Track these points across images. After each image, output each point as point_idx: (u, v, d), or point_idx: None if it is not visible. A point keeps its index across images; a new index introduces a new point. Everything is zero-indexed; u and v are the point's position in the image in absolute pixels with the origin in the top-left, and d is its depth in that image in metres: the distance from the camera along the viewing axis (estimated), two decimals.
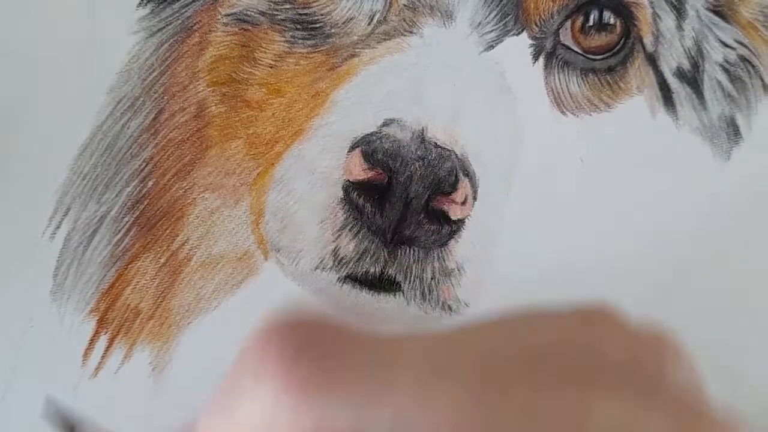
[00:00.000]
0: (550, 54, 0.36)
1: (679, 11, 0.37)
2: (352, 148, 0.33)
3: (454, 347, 0.16)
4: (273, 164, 0.33)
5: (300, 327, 0.16)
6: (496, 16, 0.35)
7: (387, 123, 0.33)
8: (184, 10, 0.34)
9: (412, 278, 0.33)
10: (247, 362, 0.16)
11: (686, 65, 0.37)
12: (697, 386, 0.16)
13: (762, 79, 0.38)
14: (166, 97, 0.33)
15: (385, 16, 0.34)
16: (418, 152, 0.32)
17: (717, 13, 0.37)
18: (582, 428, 0.14)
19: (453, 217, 0.32)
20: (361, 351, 0.16)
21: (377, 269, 0.32)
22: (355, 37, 0.34)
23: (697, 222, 0.36)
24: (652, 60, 0.37)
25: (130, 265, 0.32)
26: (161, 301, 0.32)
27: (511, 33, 0.35)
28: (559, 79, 0.36)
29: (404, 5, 0.34)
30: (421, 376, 0.15)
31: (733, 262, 0.35)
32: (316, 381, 0.15)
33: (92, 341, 0.31)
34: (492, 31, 0.35)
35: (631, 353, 0.16)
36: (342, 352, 0.16)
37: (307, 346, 0.16)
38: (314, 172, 0.33)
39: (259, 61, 0.34)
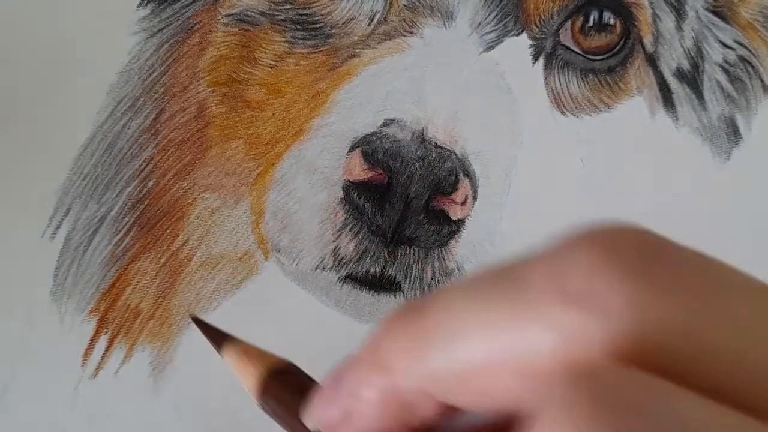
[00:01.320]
0: (550, 54, 0.36)
1: (679, 12, 0.37)
2: (353, 149, 0.33)
3: None
4: (273, 164, 0.33)
5: (638, 244, 0.15)
6: (496, 16, 0.35)
7: (387, 123, 0.33)
8: (184, 11, 0.34)
9: (413, 278, 0.33)
10: (577, 271, 0.15)
11: (686, 66, 0.37)
12: None
13: (761, 80, 0.38)
14: (166, 98, 0.33)
15: (385, 17, 0.34)
16: (419, 152, 0.32)
17: (716, 13, 0.37)
18: None
19: (453, 217, 0.32)
20: (704, 272, 0.15)
21: (377, 269, 0.32)
22: (356, 38, 0.34)
23: (697, 222, 0.36)
24: (652, 60, 0.37)
25: (130, 265, 0.32)
26: (161, 301, 0.32)
27: (511, 33, 0.35)
28: (559, 80, 0.36)
29: (404, 6, 0.34)
30: (754, 302, 0.15)
31: (734, 262, 0.35)
32: (661, 300, 0.15)
33: (92, 341, 0.31)
34: (492, 31, 0.35)
35: None
36: (684, 270, 0.15)
37: (647, 263, 0.15)
38: (314, 172, 0.33)
39: (260, 62, 0.34)
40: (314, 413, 0.21)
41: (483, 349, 0.16)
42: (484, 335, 0.16)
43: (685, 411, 0.14)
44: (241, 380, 0.26)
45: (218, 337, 0.27)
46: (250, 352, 0.26)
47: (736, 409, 0.14)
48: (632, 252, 0.15)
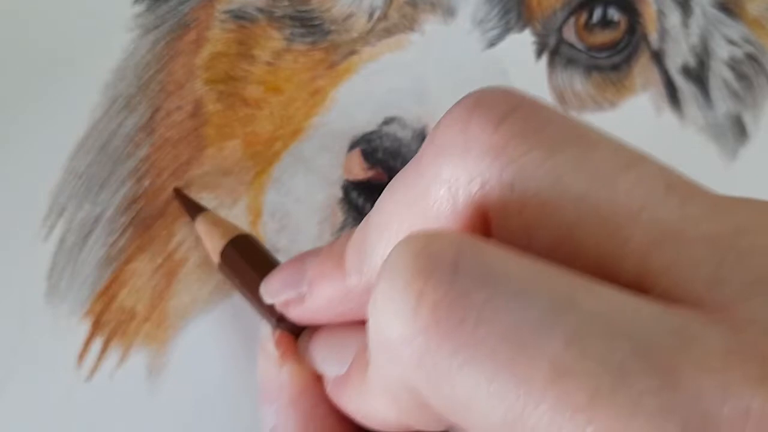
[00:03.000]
0: (554, 51, 0.35)
1: (685, 8, 0.37)
2: (352, 147, 0.32)
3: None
4: (271, 163, 0.33)
5: (504, 97, 0.17)
6: (498, 12, 0.35)
7: (387, 121, 0.33)
8: (180, 7, 0.34)
9: None
10: (448, 127, 0.17)
11: (692, 63, 0.37)
12: None
13: None
14: (162, 95, 0.33)
15: (385, 13, 0.34)
16: None
17: (723, 9, 0.37)
18: None
19: None
20: (565, 122, 0.16)
21: None
22: (355, 34, 0.34)
23: None
24: (658, 58, 0.36)
25: (125, 267, 0.32)
26: (157, 303, 0.31)
27: (514, 30, 0.35)
28: (563, 77, 0.35)
29: (405, 2, 0.34)
30: (620, 156, 0.16)
31: None
32: (518, 141, 0.16)
33: (87, 343, 0.31)
34: (494, 28, 0.35)
35: None
36: (546, 120, 0.16)
37: (511, 113, 0.16)
38: (313, 172, 0.33)
39: (257, 59, 0.34)
40: (273, 288, 0.23)
41: (401, 231, 0.17)
42: (399, 217, 0.18)
43: (497, 264, 0.14)
44: (206, 246, 0.28)
45: (194, 209, 0.29)
46: (219, 222, 0.28)
47: (603, 268, 0.15)
48: (494, 103, 0.16)
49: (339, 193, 0.32)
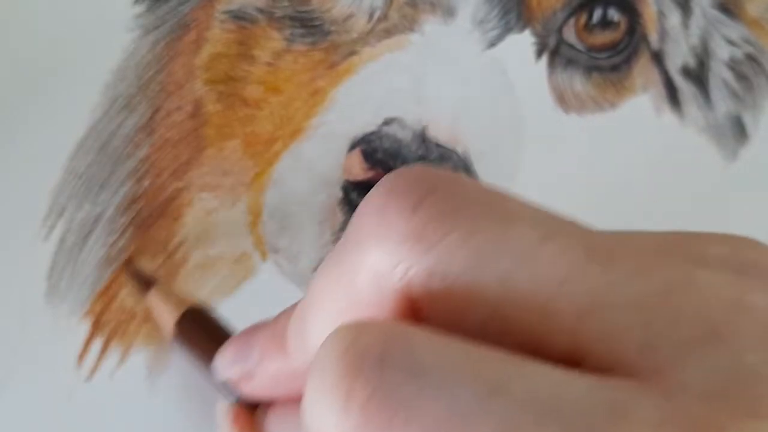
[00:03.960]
0: (554, 52, 0.35)
1: (685, 9, 0.37)
2: (352, 148, 0.32)
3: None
4: (271, 164, 0.33)
5: (419, 179, 0.16)
6: (498, 13, 0.35)
7: (387, 122, 0.33)
8: (180, 8, 0.34)
9: None
10: (366, 215, 0.16)
11: (692, 63, 0.37)
12: None
13: None
14: (162, 96, 0.33)
15: (385, 13, 0.34)
16: (419, 152, 0.32)
17: (723, 10, 0.37)
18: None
19: None
20: (481, 199, 0.16)
21: None
22: (355, 35, 0.34)
23: (702, 222, 0.36)
24: (658, 58, 0.36)
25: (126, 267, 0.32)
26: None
27: (514, 30, 0.35)
28: (563, 78, 0.35)
29: (405, 2, 0.34)
30: (538, 228, 0.15)
31: None
32: (435, 224, 0.15)
33: (87, 343, 0.31)
34: (494, 28, 0.35)
35: None
36: (463, 199, 0.16)
37: (427, 195, 0.16)
38: (313, 172, 0.33)
39: (257, 59, 0.34)
40: (225, 363, 0.23)
41: (334, 316, 0.17)
42: (331, 300, 0.18)
43: (423, 354, 0.14)
44: (159, 321, 0.28)
45: (145, 283, 0.29)
46: (171, 295, 0.28)
47: (533, 345, 0.14)
48: (409, 186, 0.16)
49: (339, 194, 0.32)
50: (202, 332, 0.27)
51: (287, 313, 0.21)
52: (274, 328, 0.21)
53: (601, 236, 0.16)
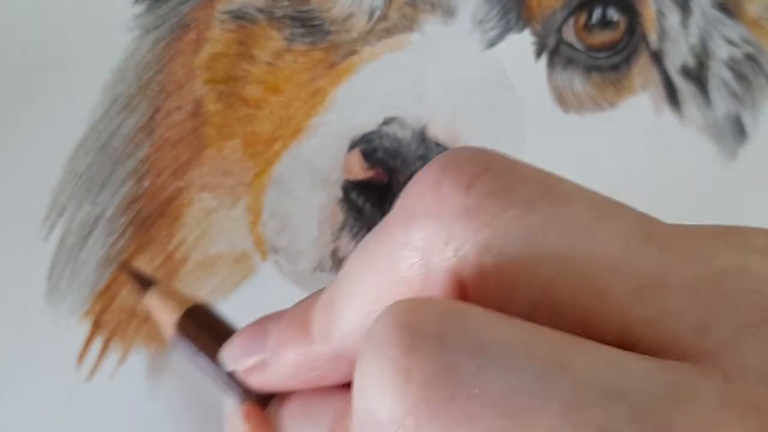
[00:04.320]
0: (553, 52, 0.35)
1: (684, 8, 0.37)
2: (352, 147, 0.32)
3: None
4: (271, 163, 0.33)
5: (474, 157, 0.16)
6: (498, 13, 0.35)
7: (387, 121, 0.33)
8: (180, 7, 0.34)
9: None
10: (418, 191, 0.16)
11: (691, 63, 0.37)
12: None
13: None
14: (162, 96, 0.33)
15: (385, 13, 0.34)
16: (419, 151, 0.32)
17: (722, 10, 0.37)
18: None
19: None
20: (537, 178, 0.16)
21: None
22: (355, 34, 0.34)
23: (702, 221, 0.36)
24: (657, 58, 0.36)
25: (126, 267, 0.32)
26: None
27: (513, 30, 0.35)
28: (562, 78, 0.35)
29: (405, 2, 0.34)
30: (594, 208, 0.15)
31: None
32: (491, 201, 0.15)
33: (87, 343, 0.31)
34: (494, 28, 0.35)
35: None
36: (517, 178, 0.16)
37: (482, 173, 0.16)
38: (313, 172, 0.33)
39: (257, 59, 0.34)
40: (234, 354, 0.22)
41: (372, 298, 0.17)
42: (370, 284, 0.17)
43: (484, 331, 0.14)
44: (159, 320, 0.27)
45: (144, 283, 0.28)
46: (172, 294, 0.27)
47: (586, 325, 0.14)
48: (464, 164, 0.16)
49: (339, 193, 0.32)
50: (206, 330, 0.26)
51: (309, 300, 0.20)
52: (293, 314, 0.20)
53: (656, 221, 0.16)
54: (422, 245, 0.16)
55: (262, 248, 0.33)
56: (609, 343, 0.14)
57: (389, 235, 0.17)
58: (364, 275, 0.17)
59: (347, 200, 0.32)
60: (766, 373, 0.13)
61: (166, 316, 0.27)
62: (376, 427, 0.14)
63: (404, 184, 0.31)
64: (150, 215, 0.32)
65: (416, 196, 0.16)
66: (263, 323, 0.22)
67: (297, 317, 0.20)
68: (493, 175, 0.16)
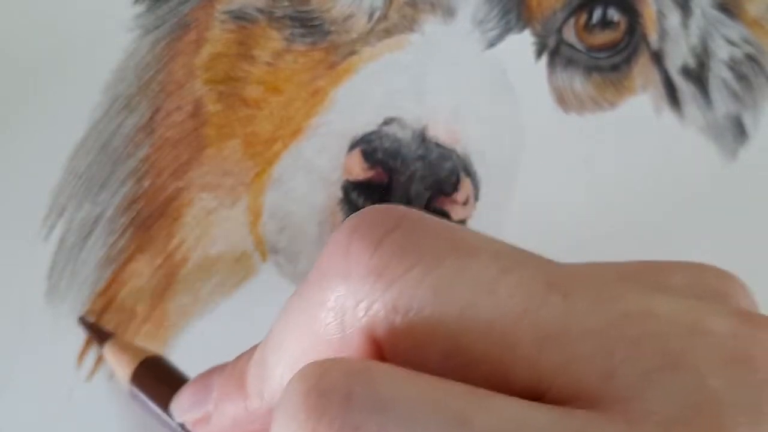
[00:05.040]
0: (554, 52, 0.35)
1: (684, 9, 0.36)
2: (352, 148, 0.32)
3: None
4: (271, 164, 0.33)
5: (382, 217, 0.16)
6: (498, 13, 0.35)
7: (387, 122, 0.33)
8: (180, 7, 0.34)
9: None
10: (330, 253, 0.17)
11: (691, 63, 0.37)
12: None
13: None
14: (162, 96, 0.33)
15: (385, 13, 0.34)
16: (419, 152, 0.32)
17: (723, 10, 0.37)
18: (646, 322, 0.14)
19: (455, 218, 0.32)
20: (443, 234, 0.16)
21: None
22: (355, 35, 0.34)
23: (702, 221, 0.36)
24: (657, 58, 0.36)
25: (125, 267, 0.32)
26: (158, 303, 0.31)
27: (514, 30, 0.35)
28: (563, 78, 0.35)
29: (405, 2, 0.34)
30: (499, 260, 0.15)
31: (739, 262, 0.35)
32: (397, 260, 0.15)
33: (87, 343, 0.31)
34: (494, 28, 0.35)
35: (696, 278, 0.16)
36: (424, 235, 0.16)
37: (389, 232, 0.16)
38: (313, 172, 0.33)
39: (257, 59, 0.34)
40: (182, 407, 0.23)
41: (297, 356, 0.17)
42: (294, 341, 0.17)
43: (388, 389, 0.14)
44: (115, 371, 0.28)
45: (101, 336, 0.29)
46: (127, 347, 0.28)
47: (495, 377, 0.15)
48: (373, 224, 0.16)
49: (339, 194, 0.32)
50: (160, 380, 0.27)
51: (247, 354, 0.21)
52: (232, 369, 0.21)
53: (561, 268, 0.16)
54: (335, 306, 0.16)
55: (262, 248, 0.33)
56: (522, 392, 0.14)
57: (307, 296, 0.17)
58: (289, 333, 0.18)
59: (347, 200, 0.32)
60: (670, 416, 0.13)
61: (121, 368, 0.28)
62: None
63: (404, 184, 0.31)
64: (150, 215, 0.32)
65: (328, 257, 0.17)
66: (208, 376, 0.23)
67: (235, 372, 0.21)
68: (400, 233, 0.16)
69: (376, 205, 0.17)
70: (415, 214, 0.17)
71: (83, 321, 0.31)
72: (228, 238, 0.33)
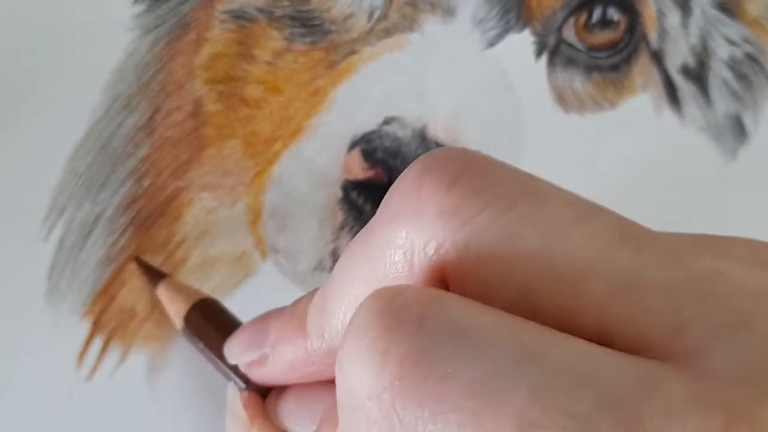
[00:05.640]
0: (554, 51, 0.35)
1: (684, 8, 0.36)
2: (352, 147, 0.32)
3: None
4: (271, 163, 0.33)
5: (454, 158, 0.16)
6: (498, 12, 0.35)
7: (387, 121, 0.33)
8: (180, 7, 0.34)
9: None
10: (400, 192, 0.17)
11: (691, 63, 0.37)
12: None
13: None
14: (162, 95, 0.33)
15: (385, 13, 0.34)
16: (419, 151, 0.32)
17: (723, 9, 0.37)
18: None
19: None
20: (516, 178, 0.16)
21: None
22: (355, 34, 0.34)
23: (702, 221, 0.36)
24: (657, 57, 0.36)
25: (125, 266, 0.32)
26: (157, 303, 0.31)
27: (514, 30, 0.35)
28: (563, 77, 0.35)
29: (405, 2, 0.34)
30: (572, 209, 0.16)
31: None
32: (471, 201, 0.16)
33: (87, 343, 0.31)
34: (494, 28, 0.35)
35: None
36: (497, 177, 0.16)
37: (462, 174, 0.16)
38: (313, 172, 0.33)
39: (257, 59, 0.34)
40: (236, 350, 0.24)
41: (361, 296, 0.17)
42: (358, 281, 0.18)
43: (461, 317, 0.14)
44: (169, 311, 0.28)
45: (155, 276, 0.29)
46: (181, 287, 0.28)
47: (563, 323, 0.15)
48: (444, 165, 0.16)
49: (339, 193, 0.32)
50: (213, 323, 0.27)
51: (306, 298, 0.21)
52: (291, 312, 0.21)
53: (634, 224, 0.16)
54: (404, 244, 0.16)
55: (262, 248, 0.33)
56: (589, 338, 0.14)
57: (374, 235, 0.17)
58: (353, 274, 0.18)
59: (347, 200, 0.32)
60: (736, 374, 0.13)
61: (175, 308, 0.28)
62: (355, 404, 0.15)
63: None
64: (150, 215, 0.32)
65: (398, 196, 0.17)
66: (264, 320, 0.23)
67: (294, 315, 0.21)
68: (472, 175, 0.16)
69: (446, 148, 0.17)
70: (486, 157, 0.17)
71: (136, 260, 0.31)
72: (228, 238, 0.33)
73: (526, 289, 0.15)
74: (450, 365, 0.14)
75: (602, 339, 0.14)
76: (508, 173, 0.16)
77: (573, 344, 0.14)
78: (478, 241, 0.15)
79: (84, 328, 0.31)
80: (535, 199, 0.16)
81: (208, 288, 0.32)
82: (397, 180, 0.17)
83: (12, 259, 0.31)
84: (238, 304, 0.32)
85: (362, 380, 0.14)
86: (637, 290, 0.14)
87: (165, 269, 0.32)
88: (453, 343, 0.14)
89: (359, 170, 0.32)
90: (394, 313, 0.15)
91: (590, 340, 0.14)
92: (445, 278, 0.16)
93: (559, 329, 0.15)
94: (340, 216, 0.32)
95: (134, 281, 0.32)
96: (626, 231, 0.15)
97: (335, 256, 0.32)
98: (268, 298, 0.32)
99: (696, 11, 0.37)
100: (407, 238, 0.16)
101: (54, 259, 0.32)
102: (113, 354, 0.31)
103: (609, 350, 0.14)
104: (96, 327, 0.31)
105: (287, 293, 0.32)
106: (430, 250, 0.16)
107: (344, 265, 0.18)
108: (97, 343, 0.31)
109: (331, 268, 0.32)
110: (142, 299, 0.31)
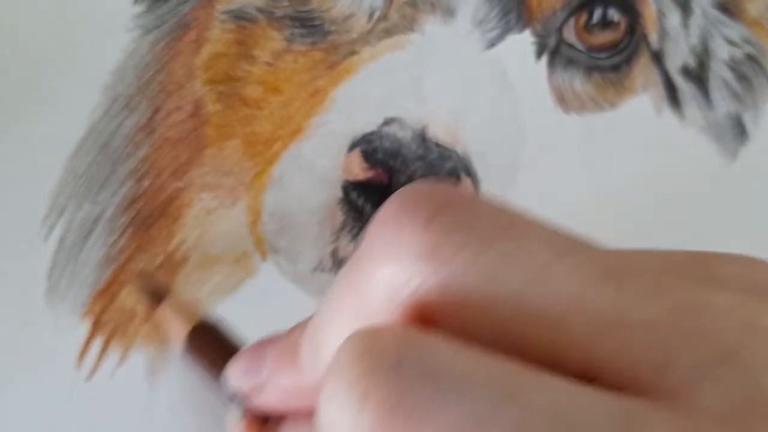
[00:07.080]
0: (554, 52, 0.35)
1: (685, 9, 0.36)
2: (352, 148, 0.32)
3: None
4: (271, 164, 0.33)
5: (431, 194, 0.16)
6: (498, 13, 0.35)
7: (387, 122, 0.33)
8: (180, 7, 0.34)
9: None
10: (379, 229, 0.16)
11: (692, 63, 0.37)
12: None
13: None
14: (162, 96, 0.33)
15: (385, 13, 0.34)
16: (419, 152, 0.32)
17: (723, 10, 0.37)
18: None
19: None
20: (494, 214, 0.16)
21: None
22: (355, 35, 0.34)
23: (702, 221, 0.36)
24: (658, 58, 0.36)
25: (125, 266, 0.32)
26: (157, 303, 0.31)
27: (514, 30, 0.35)
28: (563, 78, 0.35)
29: (405, 2, 0.34)
30: (552, 245, 0.15)
31: None
32: (449, 239, 0.15)
33: (87, 343, 0.31)
34: (494, 28, 0.35)
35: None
36: (475, 214, 0.16)
37: (439, 210, 0.16)
38: (313, 172, 0.33)
39: (257, 59, 0.34)
40: (235, 376, 0.23)
41: (349, 327, 0.17)
42: (344, 315, 0.17)
43: (439, 360, 0.14)
44: (169, 334, 0.28)
45: (157, 295, 0.29)
46: (182, 309, 0.28)
47: (549, 359, 0.14)
48: (421, 202, 0.16)
49: (339, 194, 0.32)
50: (213, 345, 0.27)
51: (300, 326, 0.21)
52: (286, 341, 0.21)
53: (613, 255, 0.16)
54: (386, 282, 0.16)
55: (262, 248, 0.33)
56: (573, 376, 0.14)
57: (357, 271, 0.17)
58: (339, 307, 0.18)
59: (347, 200, 0.32)
60: (723, 411, 0.13)
61: (176, 329, 0.28)
62: None
63: (404, 184, 0.31)
64: (150, 215, 0.32)
65: (378, 233, 0.16)
66: (261, 347, 0.23)
67: (289, 344, 0.21)
68: (450, 211, 0.16)
69: (422, 182, 0.17)
70: (464, 192, 0.17)
71: (140, 278, 0.31)
72: (228, 238, 0.33)
73: (509, 329, 0.15)
74: (428, 408, 0.14)
75: (589, 375, 0.14)
76: (486, 209, 0.16)
77: (553, 384, 0.14)
78: (457, 281, 0.15)
79: (84, 328, 0.31)
80: (513, 236, 0.15)
81: (208, 288, 0.32)
82: (376, 215, 0.17)
83: (12, 259, 0.31)
84: (239, 305, 0.32)
85: (342, 422, 0.14)
86: (621, 328, 0.14)
87: (165, 269, 0.32)
88: (431, 387, 0.14)
89: (359, 171, 0.32)
90: (373, 355, 0.14)
91: (577, 375, 0.14)
92: (428, 315, 0.16)
93: (545, 365, 0.14)
94: (340, 216, 0.32)
95: (134, 282, 0.32)
96: (608, 265, 0.15)
97: (335, 256, 0.32)
98: (268, 299, 0.32)
99: (696, 12, 0.37)
100: (388, 277, 0.16)
101: (54, 259, 0.32)
102: (113, 354, 0.31)
103: (590, 389, 0.14)
104: (96, 327, 0.31)
105: (287, 293, 0.33)
106: (411, 289, 0.16)
107: (332, 299, 0.18)
108: (97, 343, 0.31)
109: (332, 268, 0.32)
110: (142, 299, 0.31)
